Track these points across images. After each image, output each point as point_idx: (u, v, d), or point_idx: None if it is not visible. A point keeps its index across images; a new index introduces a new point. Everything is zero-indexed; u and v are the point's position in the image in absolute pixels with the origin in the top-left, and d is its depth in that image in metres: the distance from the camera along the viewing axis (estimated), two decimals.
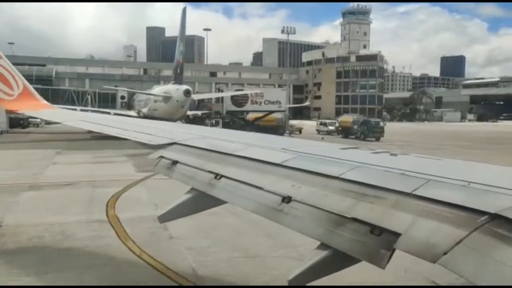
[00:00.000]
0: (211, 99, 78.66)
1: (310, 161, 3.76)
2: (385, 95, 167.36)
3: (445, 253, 2.16)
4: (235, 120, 55.36)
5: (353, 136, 51.28)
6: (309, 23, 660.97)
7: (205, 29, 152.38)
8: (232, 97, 54.20)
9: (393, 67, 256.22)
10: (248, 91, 58.52)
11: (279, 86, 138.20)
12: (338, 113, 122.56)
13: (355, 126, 52.47)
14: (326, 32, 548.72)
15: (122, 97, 65.52)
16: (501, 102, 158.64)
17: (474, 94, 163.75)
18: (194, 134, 5.99)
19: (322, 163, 3.64)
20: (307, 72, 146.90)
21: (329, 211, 2.91)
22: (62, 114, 11.17)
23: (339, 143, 6.15)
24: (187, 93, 43.02)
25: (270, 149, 4.48)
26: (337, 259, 2.78)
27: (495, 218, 2.20)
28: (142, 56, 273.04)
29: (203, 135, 5.86)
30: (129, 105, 59.22)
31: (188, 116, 51.50)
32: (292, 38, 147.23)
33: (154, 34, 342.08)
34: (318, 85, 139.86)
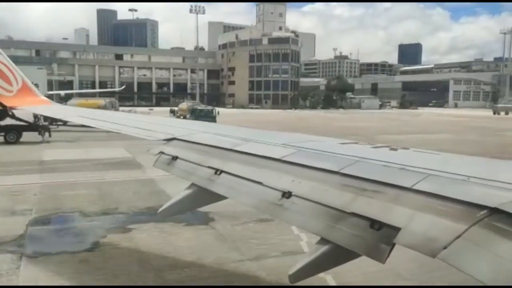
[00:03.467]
0: None
1: (309, 156, 3.76)
2: (318, 80, 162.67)
3: (445, 248, 2.16)
4: None
5: None
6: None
7: (131, 10, 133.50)
8: None
9: (340, 53, 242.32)
10: None
11: (192, 71, 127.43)
12: (251, 99, 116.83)
13: (188, 115, 48.68)
14: (294, 18, 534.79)
15: None
16: (435, 89, 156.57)
17: (406, 81, 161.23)
18: (194, 129, 5.99)
19: (321, 158, 3.64)
20: (222, 55, 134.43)
21: (329, 206, 2.91)
22: (60, 110, 11.15)
23: None
24: None
25: (269, 144, 4.48)
26: (337, 254, 2.79)
27: (495, 212, 2.21)
28: (95, 40, 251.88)
29: (202, 131, 5.86)
30: None
31: None
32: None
33: (105, 16, 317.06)
34: (232, 69, 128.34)
